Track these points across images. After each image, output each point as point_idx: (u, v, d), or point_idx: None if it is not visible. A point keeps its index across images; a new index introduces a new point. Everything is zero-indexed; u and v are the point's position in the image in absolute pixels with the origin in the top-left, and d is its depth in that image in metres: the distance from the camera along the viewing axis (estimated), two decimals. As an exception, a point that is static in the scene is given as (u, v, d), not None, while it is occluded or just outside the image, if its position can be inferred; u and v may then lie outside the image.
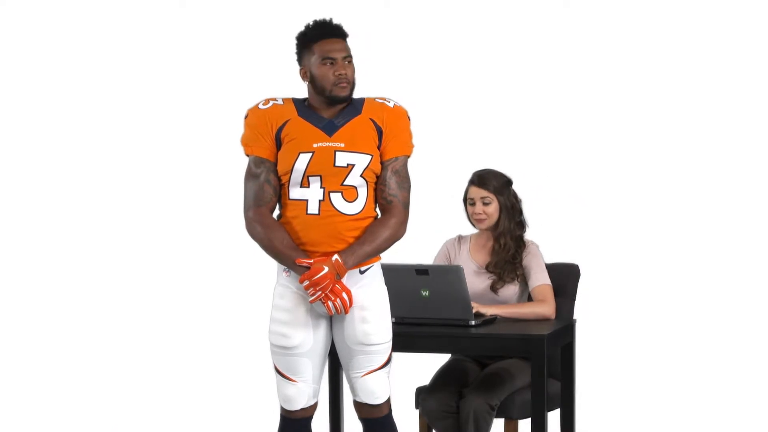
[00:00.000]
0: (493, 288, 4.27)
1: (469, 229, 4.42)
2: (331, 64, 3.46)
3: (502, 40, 6.63)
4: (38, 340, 7.23)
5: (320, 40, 3.47)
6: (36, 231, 6.79)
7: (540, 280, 4.24)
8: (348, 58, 3.50)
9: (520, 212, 4.31)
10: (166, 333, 7.43)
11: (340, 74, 3.45)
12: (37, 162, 6.76)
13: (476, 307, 4.08)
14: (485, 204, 4.25)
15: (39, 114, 7.22)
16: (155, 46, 6.60)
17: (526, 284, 4.28)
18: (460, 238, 4.47)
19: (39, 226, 6.84)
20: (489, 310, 4.11)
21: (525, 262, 4.26)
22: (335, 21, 3.50)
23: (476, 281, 4.26)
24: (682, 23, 6.14)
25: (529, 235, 4.31)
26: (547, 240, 4.55)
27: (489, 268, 4.28)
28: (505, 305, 4.22)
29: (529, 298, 4.29)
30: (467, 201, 4.31)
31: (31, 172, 6.79)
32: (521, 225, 4.30)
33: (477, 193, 4.27)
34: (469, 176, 4.39)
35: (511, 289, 4.26)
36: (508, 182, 4.31)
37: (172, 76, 6.55)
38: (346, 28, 3.58)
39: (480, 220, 4.26)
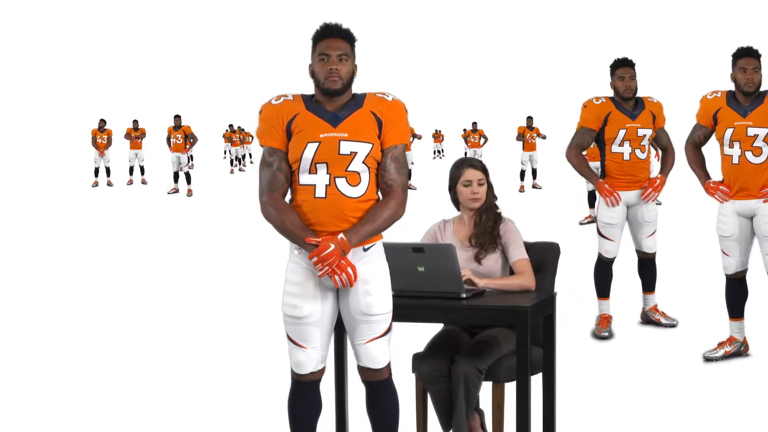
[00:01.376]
0: (477, 258, 4.41)
1: (451, 214, 4.63)
2: (326, 60, 3.67)
3: (498, 40, 6.76)
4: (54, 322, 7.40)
5: (322, 39, 3.69)
6: (44, 224, 6.94)
7: (518, 255, 4.40)
8: (343, 56, 3.67)
9: (494, 191, 4.56)
10: (194, 306, 7.70)
11: (331, 69, 3.65)
12: (36, 159, 6.84)
13: (467, 275, 4.26)
14: (480, 185, 4.47)
15: (36, 111, 7.34)
16: (154, 44, 6.64)
17: (506, 255, 4.46)
18: (444, 221, 4.64)
19: (46, 219, 6.99)
20: (480, 282, 4.29)
21: (504, 239, 4.43)
22: (339, 22, 3.68)
23: (461, 256, 4.39)
24: (678, 25, 6.29)
25: (510, 214, 4.56)
26: (533, 222, 4.75)
27: (471, 241, 4.45)
28: (493, 278, 4.38)
29: (510, 271, 4.46)
30: (462, 183, 4.48)
31: (33, 170, 6.90)
32: (495, 201, 4.54)
33: (475, 175, 4.47)
34: (450, 166, 4.63)
35: (492, 259, 4.42)
36: (486, 167, 4.58)
37: (173, 74, 6.60)
38: (351, 31, 3.74)
39: (477, 200, 4.46)
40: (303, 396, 3.77)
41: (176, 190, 21.77)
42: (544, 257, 4.50)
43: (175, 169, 21.90)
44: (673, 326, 6.67)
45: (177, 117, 22.03)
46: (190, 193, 21.05)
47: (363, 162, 3.65)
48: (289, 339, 3.72)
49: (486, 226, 4.46)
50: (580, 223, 13.12)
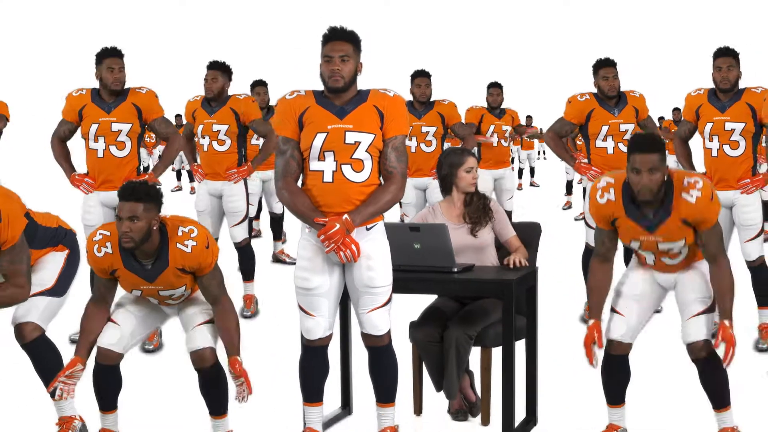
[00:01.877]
0: (473, 233, 4.81)
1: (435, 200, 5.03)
2: (330, 61, 4.02)
3: (498, 39, 6.93)
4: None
5: (327, 42, 4.05)
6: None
7: (511, 232, 4.85)
8: (345, 57, 4.01)
9: None
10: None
11: (333, 69, 4.01)
12: (37, 157, 6.77)
13: (516, 260, 4.70)
14: (476, 171, 4.92)
15: (36, 109, 7.54)
16: (154, 44, 6.86)
17: (494, 230, 4.86)
18: (432, 207, 5.03)
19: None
20: (515, 260, 4.70)
21: (498, 218, 4.85)
22: (344, 25, 4.01)
23: (456, 234, 4.77)
24: (673, 26, 6.44)
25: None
26: (530, 217, 5.01)
27: (466, 218, 4.85)
28: (515, 256, 4.75)
29: (502, 247, 4.87)
30: (465, 170, 4.87)
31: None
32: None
33: (474, 162, 4.91)
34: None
35: (485, 232, 4.83)
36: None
37: (173, 74, 6.75)
38: (355, 33, 4.07)
39: (474, 184, 4.90)
40: (313, 358, 4.14)
41: (179, 188, 21.72)
42: (528, 235, 4.89)
43: (177, 167, 21.87)
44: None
45: (178, 116, 21.87)
46: (193, 190, 21.15)
47: (366, 150, 3.99)
48: (300, 308, 4.07)
49: (479, 204, 4.87)
50: (576, 219, 13.49)
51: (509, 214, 9.36)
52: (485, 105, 9.85)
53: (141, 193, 4.10)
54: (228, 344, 4.23)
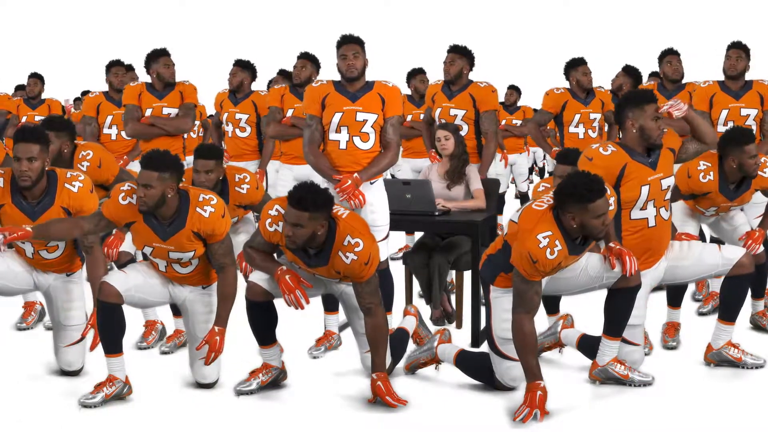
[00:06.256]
0: (448, 188, 5.90)
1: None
2: (345, 58, 5.07)
3: (499, 38, 6.74)
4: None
5: (341, 45, 5.13)
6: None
7: (476, 186, 5.90)
8: (356, 54, 5.00)
9: (464, 148, 6.05)
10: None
11: (349, 64, 5.03)
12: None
13: (442, 203, 5.71)
14: (447, 140, 6.06)
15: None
16: (155, 43, 7.15)
17: (467, 186, 5.90)
18: (430, 166, 6.16)
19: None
20: (449, 205, 5.75)
21: (468, 175, 5.94)
22: (343, 21, 5.11)
23: (438, 186, 5.88)
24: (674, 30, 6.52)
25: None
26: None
27: (445, 177, 5.96)
28: (459, 201, 5.79)
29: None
30: (436, 139, 6.02)
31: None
32: (465, 156, 6.05)
33: (442, 133, 6.04)
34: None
35: (458, 187, 5.89)
36: (457, 128, 6.15)
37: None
38: (357, 33, 5.06)
39: (444, 149, 6.03)
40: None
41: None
42: (490, 189, 5.98)
43: None
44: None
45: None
46: None
47: (371, 126, 5.03)
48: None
49: (455, 170, 5.98)
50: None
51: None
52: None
53: (159, 162, 4.43)
54: (217, 313, 4.60)
